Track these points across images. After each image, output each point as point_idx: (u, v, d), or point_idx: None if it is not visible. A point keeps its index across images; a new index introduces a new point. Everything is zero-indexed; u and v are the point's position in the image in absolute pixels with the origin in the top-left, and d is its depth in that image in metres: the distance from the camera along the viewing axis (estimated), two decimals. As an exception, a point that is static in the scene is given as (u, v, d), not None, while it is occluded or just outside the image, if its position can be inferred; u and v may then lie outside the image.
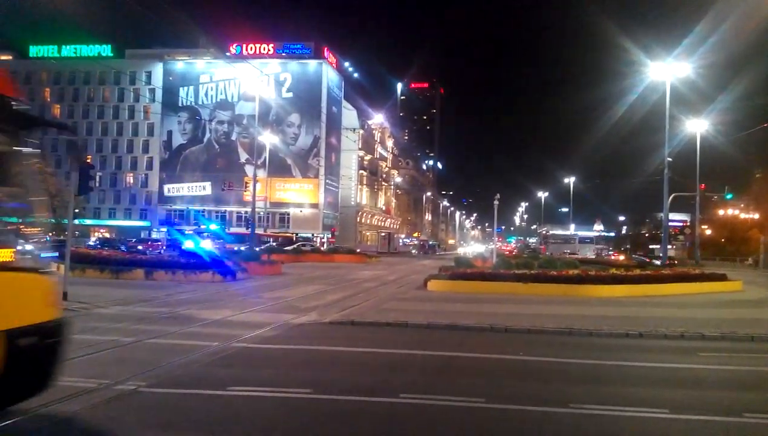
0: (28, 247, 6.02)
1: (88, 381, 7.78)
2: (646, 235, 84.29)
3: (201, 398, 7.49)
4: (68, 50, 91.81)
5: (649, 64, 32.58)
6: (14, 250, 5.66)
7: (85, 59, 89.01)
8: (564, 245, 77.98)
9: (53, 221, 7.87)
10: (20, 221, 6.09)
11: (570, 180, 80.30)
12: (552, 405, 7.26)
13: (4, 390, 5.21)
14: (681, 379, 9.27)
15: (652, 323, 14.00)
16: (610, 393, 8.08)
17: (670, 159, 31.74)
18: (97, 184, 76.27)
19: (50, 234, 7.62)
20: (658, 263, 36.37)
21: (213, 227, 65.17)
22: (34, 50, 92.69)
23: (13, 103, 5.69)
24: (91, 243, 53.87)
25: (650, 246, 78.02)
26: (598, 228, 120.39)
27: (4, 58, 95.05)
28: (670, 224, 48.99)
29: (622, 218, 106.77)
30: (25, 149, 5.84)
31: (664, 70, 31.39)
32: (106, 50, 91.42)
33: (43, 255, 6.28)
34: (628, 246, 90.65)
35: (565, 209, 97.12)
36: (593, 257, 57.05)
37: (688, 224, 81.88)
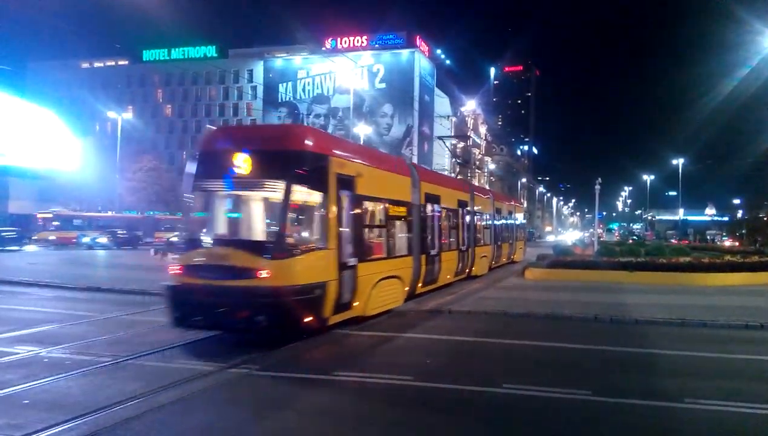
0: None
1: (206, 364, 8.42)
2: (765, 219, 77.16)
3: (309, 382, 7.82)
4: (177, 53, 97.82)
5: (765, 33, 29.83)
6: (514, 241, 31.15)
7: (192, 60, 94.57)
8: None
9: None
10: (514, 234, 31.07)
11: (678, 161, 75.36)
12: (665, 400, 6.94)
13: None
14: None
15: (776, 315, 12.97)
16: (730, 388, 7.58)
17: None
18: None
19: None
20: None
21: None
22: (147, 55, 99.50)
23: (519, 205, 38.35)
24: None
25: (768, 231, 71.51)
26: (709, 212, 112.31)
27: (122, 63, 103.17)
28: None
29: (736, 202, 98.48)
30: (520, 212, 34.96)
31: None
32: (211, 51, 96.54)
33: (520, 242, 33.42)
34: (743, 231, 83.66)
35: (673, 193, 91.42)
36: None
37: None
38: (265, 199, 11.04)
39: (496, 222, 25.87)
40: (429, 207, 16.28)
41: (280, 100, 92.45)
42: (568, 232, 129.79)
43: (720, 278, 19.47)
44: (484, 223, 24.26)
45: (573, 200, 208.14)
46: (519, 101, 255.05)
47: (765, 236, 70.49)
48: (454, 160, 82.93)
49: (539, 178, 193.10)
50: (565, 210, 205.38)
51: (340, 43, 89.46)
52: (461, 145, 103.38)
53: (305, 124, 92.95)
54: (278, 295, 9.02)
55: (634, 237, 70.70)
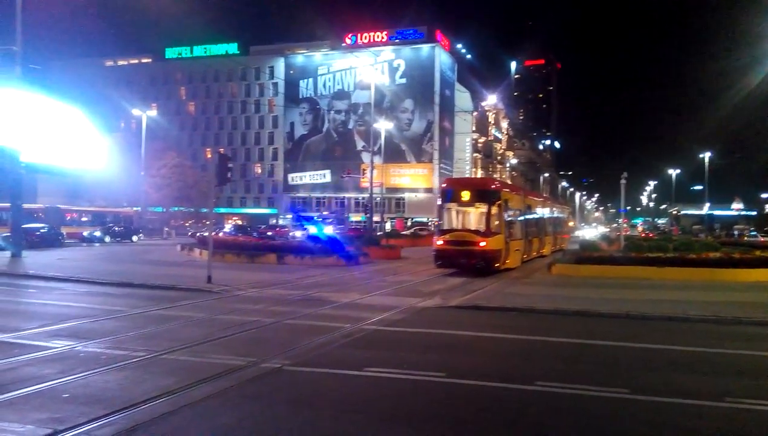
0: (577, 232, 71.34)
1: (236, 359, 8.42)
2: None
3: (341, 377, 7.82)
4: (199, 50, 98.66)
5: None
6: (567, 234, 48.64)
7: (214, 58, 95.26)
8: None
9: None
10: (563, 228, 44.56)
11: (705, 155, 73.89)
12: (704, 398, 6.80)
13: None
14: None
15: (814, 312, 12.67)
16: (771, 388, 7.41)
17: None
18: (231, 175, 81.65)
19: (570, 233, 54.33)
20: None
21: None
22: (170, 52, 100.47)
23: (567, 207, 68.49)
24: (227, 230, 57.72)
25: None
26: (737, 206, 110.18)
27: (145, 60, 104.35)
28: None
29: (765, 196, 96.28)
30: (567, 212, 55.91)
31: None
32: (232, 48, 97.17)
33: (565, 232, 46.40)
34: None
35: (699, 187, 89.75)
36: None
37: None
38: (477, 211, 22.36)
39: (554, 219, 37.33)
40: (527, 211, 27.07)
41: (301, 97, 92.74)
42: (591, 227, 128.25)
43: (752, 274, 19.11)
44: (548, 220, 34.21)
45: (596, 195, 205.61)
46: (540, 95, 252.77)
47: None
48: (475, 154, 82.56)
49: (561, 172, 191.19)
50: (588, 205, 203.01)
51: (360, 39, 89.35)
52: (483, 139, 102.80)
53: (325, 120, 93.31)
54: (487, 253, 20.81)
55: (647, 231, 69.38)
